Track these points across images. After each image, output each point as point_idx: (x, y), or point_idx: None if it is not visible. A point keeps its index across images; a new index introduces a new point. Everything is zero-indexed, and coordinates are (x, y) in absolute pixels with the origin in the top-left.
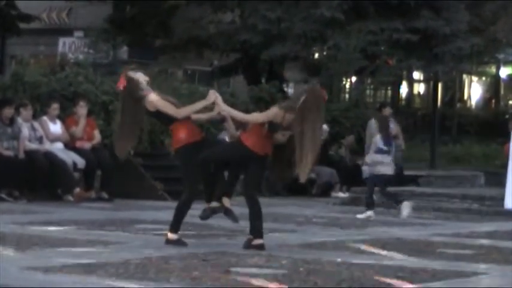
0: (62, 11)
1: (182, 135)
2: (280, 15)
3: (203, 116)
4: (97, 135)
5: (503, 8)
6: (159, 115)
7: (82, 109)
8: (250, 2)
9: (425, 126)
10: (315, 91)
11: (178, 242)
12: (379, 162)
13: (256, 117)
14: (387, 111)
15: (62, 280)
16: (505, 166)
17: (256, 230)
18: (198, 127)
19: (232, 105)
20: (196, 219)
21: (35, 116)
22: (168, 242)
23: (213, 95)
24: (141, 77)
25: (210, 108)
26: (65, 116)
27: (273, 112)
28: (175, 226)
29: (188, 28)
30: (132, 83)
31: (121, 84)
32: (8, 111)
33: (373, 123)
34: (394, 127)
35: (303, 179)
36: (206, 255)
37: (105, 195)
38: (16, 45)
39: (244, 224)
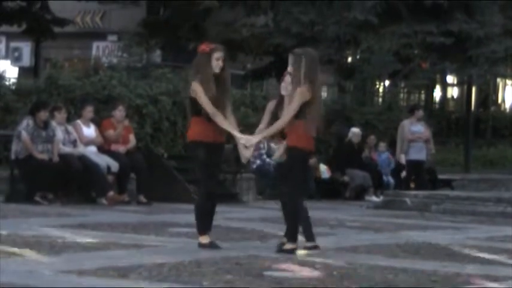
0: (96, 15)
1: (197, 130)
2: (313, 18)
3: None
4: (132, 139)
5: None
6: (193, 103)
7: (121, 113)
8: (284, 5)
9: (459, 129)
10: (311, 54)
11: (210, 245)
12: None
13: (289, 112)
14: (419, 113)
15: (96, 283)
16: None
17: (290, 234)
18: (221, 131)
19: (264, 107)
20: (230, 223)
21: (69, 119)
22: (201, 245)
23: (242, 142)
24: (214, 66)
25: None
26: (98, 119)
27: (301, 93)
28: (200, 229)
29: (221, 31)
30: (203, 59)
31: (205, 47)
32: (43, 115)
33: (405, 125)
34: (425, 131)
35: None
36: (239, 259)
37: (143, 199)
38: (50, 48)
39: (279, 228)
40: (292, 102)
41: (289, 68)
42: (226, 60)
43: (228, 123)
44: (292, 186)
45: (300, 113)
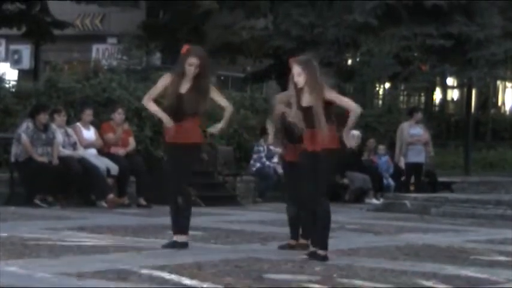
0: (95, 18)
1: (166, 131)
2: (313, 21)
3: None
4: (132, 142)
5: None
6: None
7: (120, 116)
8: (283, 7)
9: (459, 132)
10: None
11: (169, 245)
12: None
13: (350, 103)
14: (418, 116)
15: (96, 286)
16: None
17: (321, 241)
18: (185, 132)
19: (266, 110)
20: (230, 225)
21: (69, 122)
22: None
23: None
24: (187, 70)
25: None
26: (98, 122)
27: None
28: (172, 228)
29: (221, 34)
30: (181, 59)
31: (184, 48)
32: (43, 117)
33: (403, 128)
34: (424, 133)
35: None
36: (239, 262)
37: (143, 201)
38: (50, 51)
39: (277, 230)
40: (340, 99)
41: (299, 78)
42: (204, 66)
43: (160, 110)
44: (324, 190)
45: (326, 117)
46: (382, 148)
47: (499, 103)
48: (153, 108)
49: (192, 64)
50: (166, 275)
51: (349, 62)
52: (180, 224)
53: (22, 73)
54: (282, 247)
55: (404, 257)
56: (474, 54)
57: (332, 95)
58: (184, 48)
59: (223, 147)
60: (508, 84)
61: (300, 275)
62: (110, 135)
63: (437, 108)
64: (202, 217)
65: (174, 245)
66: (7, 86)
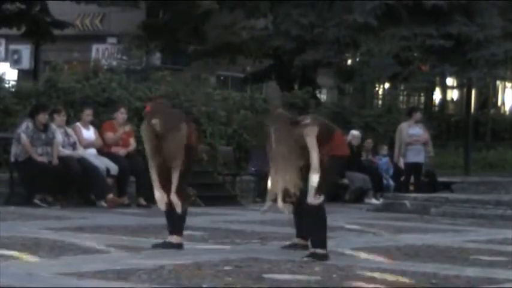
0: (95, 18)
1: None
2: (313, 21)
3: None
4: (133, 143)
5: None
6: None
7: (122, 116)
8: (283, 7)
9: (458, 132)
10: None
11: (161, 244)
12: None
13: (315, 156)
14: (417, 116)
15: (95, 286)
16: None
17: (320, 240)
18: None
19: (265, 110)
20: (230, 225)
21: (69, 122)
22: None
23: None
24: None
25: None
26: (98, 122)
27: (307, 133)
28: (167, 228)
29: (221, 34)
30: (145, 121)
31: (147, 110)
32: (42, 117)
33: (402, 128)
34: (423, 133)
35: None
36: (239, 262)
37: (143, 201)
38: (50, 51)
39: (277, 230)
40: (311, 149)
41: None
42: (172, 130)
43: (158, 184)
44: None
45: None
46: (385, 148)
47: (499, 103)
48: (154, 178)
49: (154, 124)
50: (165, 275)
51: (349, 62)
52: (175, 225)
53: (22, 73)
54: (285, 247)
55: (404, 257)
56: (474, 55)
57: (310, 144)
58: (147, 108)
59: (223, 147)
60: (507, 84)
61: (300, 275)
62: (110, 134)
63: (437, 109)
64: (202, 217)
65: (166, 246)
66: (7, 86)
